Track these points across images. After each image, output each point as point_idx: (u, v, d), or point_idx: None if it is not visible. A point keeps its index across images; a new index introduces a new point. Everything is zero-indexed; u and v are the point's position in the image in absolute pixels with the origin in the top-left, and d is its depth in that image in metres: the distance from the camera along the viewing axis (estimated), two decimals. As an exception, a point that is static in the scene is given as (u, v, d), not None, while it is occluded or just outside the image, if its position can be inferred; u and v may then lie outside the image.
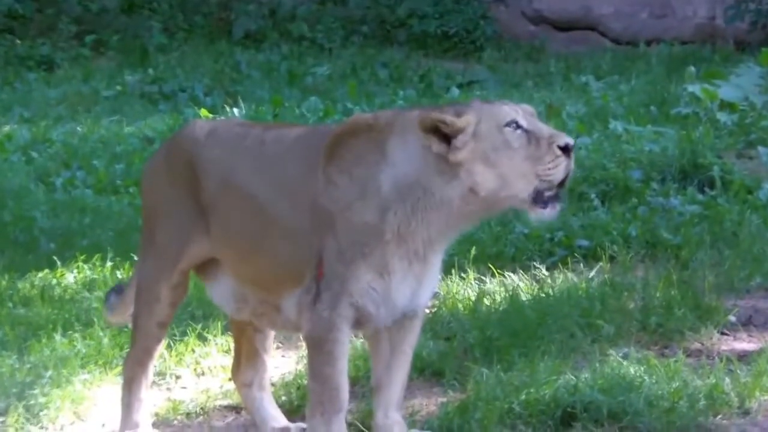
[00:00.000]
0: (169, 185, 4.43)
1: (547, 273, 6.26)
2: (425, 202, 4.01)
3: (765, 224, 7.05)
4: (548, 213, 4.00)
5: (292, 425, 4.55)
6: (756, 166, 8.50)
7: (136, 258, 5.34)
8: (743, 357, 5.17)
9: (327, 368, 4.09)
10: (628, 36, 16.83)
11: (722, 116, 9.94)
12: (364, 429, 4.46)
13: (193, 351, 5.40)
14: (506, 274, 6.22)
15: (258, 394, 4.60)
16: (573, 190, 7.54)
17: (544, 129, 4.03)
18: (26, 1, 16.76)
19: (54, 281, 6.50)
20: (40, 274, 6.59)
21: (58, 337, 5.42)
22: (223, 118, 10.46)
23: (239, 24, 17.10)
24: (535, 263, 6.42)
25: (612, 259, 6.47)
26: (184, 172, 4.38)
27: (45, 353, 5.23)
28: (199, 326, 5.53)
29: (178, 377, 5.26)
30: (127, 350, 4.72)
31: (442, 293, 5.94)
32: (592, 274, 6.22)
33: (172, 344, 5.36)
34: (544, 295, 5.82)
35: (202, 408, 4.91)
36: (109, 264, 6.64)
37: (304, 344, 4.80)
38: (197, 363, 5.34)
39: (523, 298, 5.79)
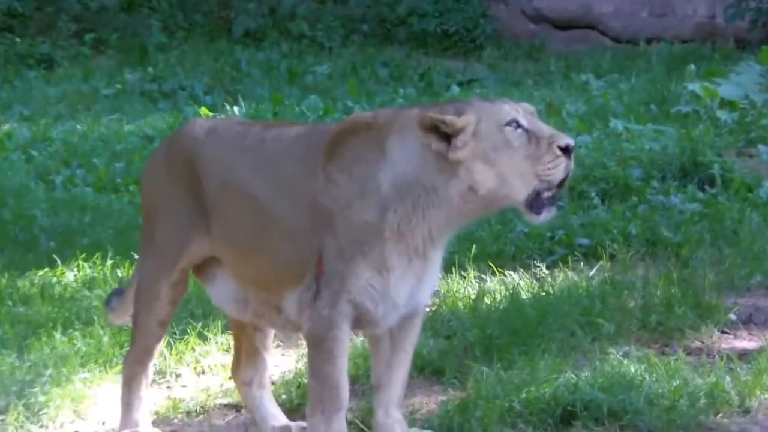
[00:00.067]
0: (168, 184, 4.42)
1: (547, 271, 6.26)
2: (425, 200, 4.01)
3: (765, 222, 7.05)
4: (542, 218, 4.01)
5: (292, 424, 4.55)
6: (756, 164, 8.50)
7: (136, 256, 5.34)
8: (743, 355, 5.17)
9: (327, 366, 4.09)
10: (628, 35, 16.83)
11: (722, 114, 9.94)
12: (364, 428, 4.46)
13: (193, 349, 5.40)
14: (506, 272, 6.22)
15: (258, 393, 4.60)
16: (573, 189, 7.54)
17: (545, 129, 4.03)
18: (26, -1, 16.80)
19: (54, 279, 6.49)
20: (40, 273, 6.58)
21: (58, 335, 5.42)
22: (223, 116, 10.45)
23: (239, 22, 17.10)
24: (535, 262, 6.42)
25: (612, 257, 6.47)
26: (184, 170, 4.38)
27: (45, 352, 5.23)
28: (199, 325, 5.53)
29: (178, 376, 5.25)
30: (127, 349, 4.72)
31: (442, 291, 5.94)
32: (592, 272, 6.22)
33: (172, 343, 5.36)
34: (544, 293, 5.82)
35: (202, 406, 4.90)
36: (109, 262, 6.64)
37: (304, 342, 4.80)
38: (197, 361, 5.34)
39: (524, 297, 5.79)
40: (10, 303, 6.07)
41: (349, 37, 17.11)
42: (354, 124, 4.17)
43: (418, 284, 4.13)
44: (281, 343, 5.53)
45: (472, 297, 5.86)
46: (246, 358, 4.60)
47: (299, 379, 4.95)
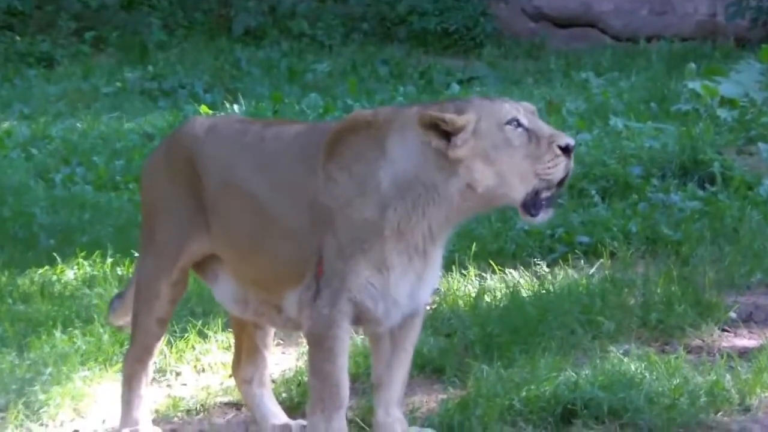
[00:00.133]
0: (168, 182, 4.42)
1: (547, 269, 6.26)
2: (425, 198, 4.01)
3: (765, 220, 7.05)
4: (539, 220, 4.02)
5: (292, 422, 4.54)
6: (756, 163, 8.50)
7: (136, 254, 5.34)
8: (744, 354, 5.17)
9: (327, 365, 4.08)
10: (628, 33, 16.81)
11: (722, 113, 9.93)
12: (364, 426, 4.46)
13: (194, 348, 5.40)
14: (507, 270, 6.22)
15: (258, 391, 4.60)
16: (573, 187, 7.54)
17: (545, 128, 4.03)
18: (26, -3, 16.78)
19: (54, 278, 6.49)
20: (40, 271, 6.58)
21: (58, 333, 5.42)
22: (222, 114, 10.45)
23: (239, 21, 17.09)
24: (535, 260, 6.42)
25: (612, 255, 6.46)
26: (184, 168, 4.38)
27: (45, 350, 5.23)
28: (200, 323, 5.53)
29: (178, 374, 5.25)
30: (127, 347, 4.72)
31: (442, 290, 5.94)
32: (592, 270, 6.22)
33: (172, 341, 5.36)
34: (544, 291, 5.82)
35: (202, 405, 4.90)
36: (109, 260, 6.63)
37: (304, 341, 4.80)
38: (197, 360, 5.33)
39: (524, 295, 5.79)
40: (9, 301, 6.07)
41: (349, 36, 17.10)
42: (354, 122, 4.16)
43: (419, 282, 4.13)
44: (281, 342, 5.53)
45: (473, 295, 5.86)
46: (246, 356, 4.60)
47: (299, 378, 4.95)
